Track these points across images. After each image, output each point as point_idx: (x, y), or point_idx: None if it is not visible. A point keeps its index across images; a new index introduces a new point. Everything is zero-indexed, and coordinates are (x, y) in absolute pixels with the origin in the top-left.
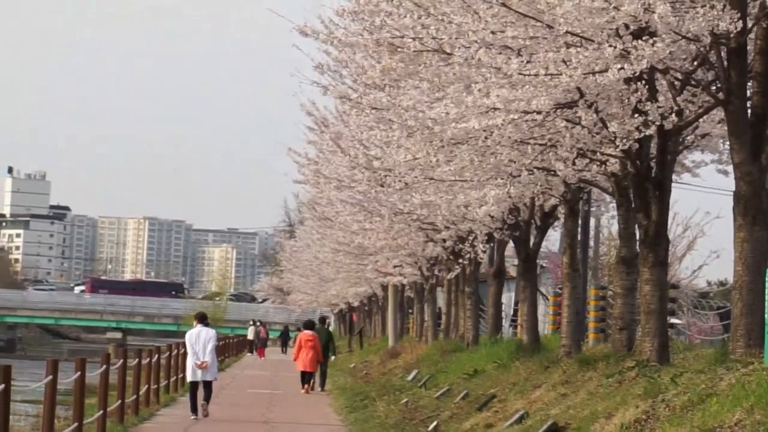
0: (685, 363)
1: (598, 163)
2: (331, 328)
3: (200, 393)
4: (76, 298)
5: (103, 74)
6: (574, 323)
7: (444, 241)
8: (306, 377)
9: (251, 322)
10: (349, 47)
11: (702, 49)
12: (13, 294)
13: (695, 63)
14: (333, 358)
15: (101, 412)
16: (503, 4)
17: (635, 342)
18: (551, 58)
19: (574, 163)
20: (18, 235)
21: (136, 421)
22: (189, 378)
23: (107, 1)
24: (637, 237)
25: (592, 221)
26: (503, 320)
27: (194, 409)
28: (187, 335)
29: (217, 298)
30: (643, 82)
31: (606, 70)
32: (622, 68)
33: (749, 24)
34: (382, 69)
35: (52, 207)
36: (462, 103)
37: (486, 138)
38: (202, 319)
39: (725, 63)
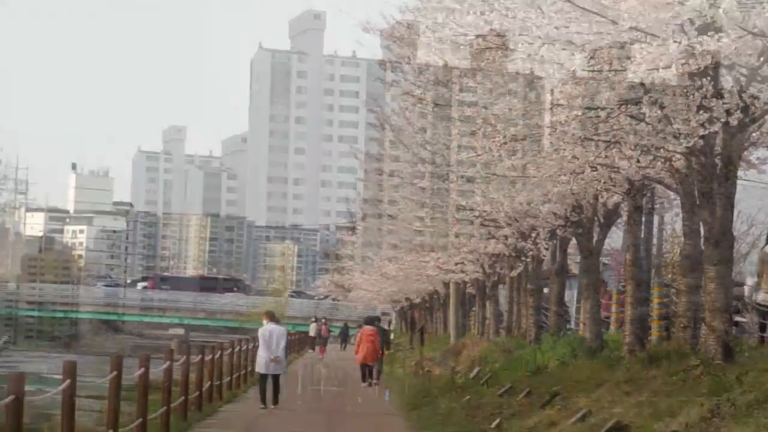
0: (750, 361)
1: (663, 159)
2: (391, 327)
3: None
4: (139, 294)
5: (161, 72)
6: (638, 321)
7: (506, 238)
8: (365, 370)
9: (313, 319)
10: (411, 44)
11: None
12: (76, 290)
13: (761, 59)
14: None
15: (165, 408)
16: (567, 0)
17: (700, 340)
18: (615, 54)
19: (638, 160)
20: (81, 231)
21: (199, 417)
22: (261, 370)
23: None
24: (702, 234)
25: (656, 218)
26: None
27: (263, 400)
28: (260, 331)
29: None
30: (708, 78)
31: (670, 66)
32: (687, 64)
33: None
34: (445, 66)
35: (115, 203)
36: (525, 99)
37: (549, 134)
38: (272, 317)
39: None
